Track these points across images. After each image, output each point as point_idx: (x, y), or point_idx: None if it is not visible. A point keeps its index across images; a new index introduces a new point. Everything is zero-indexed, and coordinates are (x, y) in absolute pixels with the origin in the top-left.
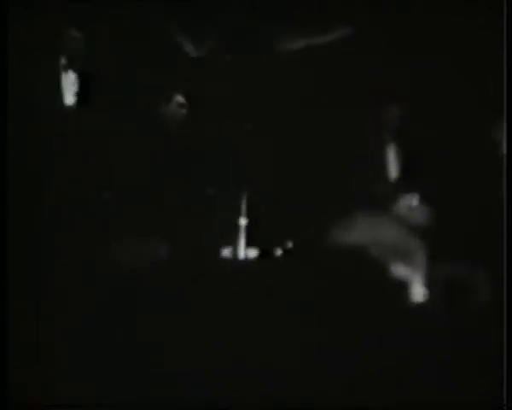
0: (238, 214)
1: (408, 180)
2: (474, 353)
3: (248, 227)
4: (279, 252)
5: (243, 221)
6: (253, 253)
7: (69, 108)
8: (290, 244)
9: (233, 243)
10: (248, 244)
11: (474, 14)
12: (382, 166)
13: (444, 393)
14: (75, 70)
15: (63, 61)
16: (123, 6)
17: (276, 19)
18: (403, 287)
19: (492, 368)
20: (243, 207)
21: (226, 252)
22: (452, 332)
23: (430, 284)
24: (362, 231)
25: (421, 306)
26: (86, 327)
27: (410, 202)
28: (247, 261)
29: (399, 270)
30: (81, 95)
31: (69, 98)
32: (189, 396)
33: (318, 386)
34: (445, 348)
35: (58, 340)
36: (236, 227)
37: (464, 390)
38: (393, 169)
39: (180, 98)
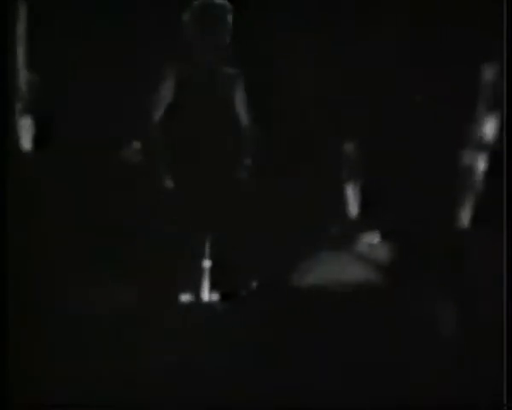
0: (202, 257)
1: (368, 217)
2: (474, 353)
3: (212, 270)
4: (243, 293)
5: (207, 264)
6: (216, 295)
7: (26, 152)
8: (254, 285)
9: (196, 286)
10: (212, 286)
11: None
12: (342, 205)
13: (444, 393)
14: (31, 114)
15: (19, 105)
16: (81, 48)
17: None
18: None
19: (492, 368)
20: (207, 249)
21: (189, 296)
22: (452, 333)
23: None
24: (323, 271)
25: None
26: (84, 330)
27: (371, 240)
28: (210, 303)
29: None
30: (38, 139)
31: (26, 143)
32: None
33: None
34: (445, 348)
35: (58, 341)
36: (200, 270)
37: (464, 390)
38: (353, 207)
39: (137, 144)
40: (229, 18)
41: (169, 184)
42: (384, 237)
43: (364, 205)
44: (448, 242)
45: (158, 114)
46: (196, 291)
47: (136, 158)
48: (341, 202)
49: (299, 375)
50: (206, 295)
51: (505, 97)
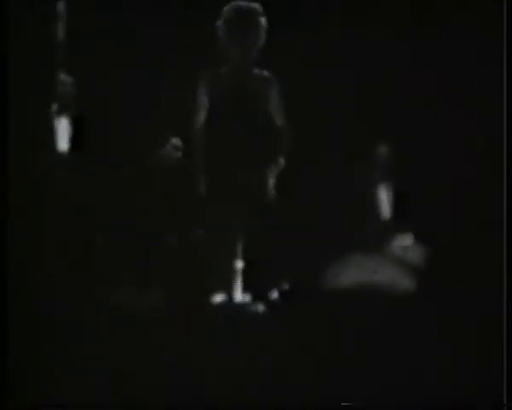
0: (234, 257)
1: (401, 220)
2: (474, 353)
3: (244, 270)
4: (275, 295)
5: (239, 264)
6: (248, 296)
7: (62, 153)
8: (286, 287)
9: (229, 287)
10: (244, 288)
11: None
12: (375, 207)
13: (444, 393)
14: (67, 115)
15: (55, 107)
16: (116, 50)
17: None
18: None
19: (492, 368)
20: (239, 250)
21: (222, 296)
22: (452, 333)
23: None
24: (356, 273)
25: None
26: (85, 330)
27: (405, 242)
28: (243, 304)
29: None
30: (74, 140)
31: (62, 144)
32: None
33: None
34: (446, 348)
35: (58, 341)
36: (233, 271)
37: (464, 390)
38: (386, 209)
39: (176, 141)
40: (262, 21)
41: (202, 187)
42: (417, 239)
43: (397, 207)
44: (482, 246)
45: (198, 120)
46: (229, 292)
47: (175, 154)
48: (374, 204)
49: (330, 376)
50: (239, 295)
51: (505, 98)
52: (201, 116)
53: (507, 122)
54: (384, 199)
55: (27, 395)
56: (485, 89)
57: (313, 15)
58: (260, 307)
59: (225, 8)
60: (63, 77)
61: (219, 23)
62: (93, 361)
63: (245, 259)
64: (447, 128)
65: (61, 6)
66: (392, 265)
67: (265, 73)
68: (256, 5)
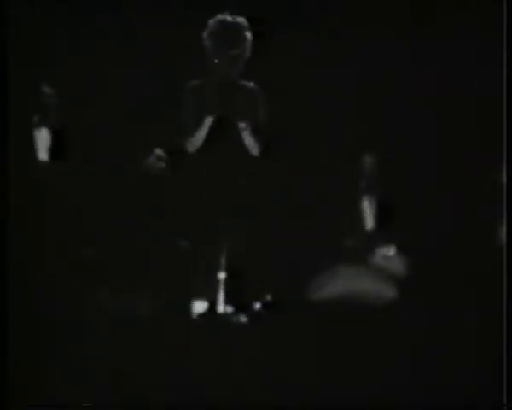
0: (217, 269)
1: (384, 231)
2: (473, 353)
3: (227, 282)
4: (258, 306)
5: (222, 275)
6: (231, 307)
7: (43, 163)
8: (269, 298)
9: (211, 298)
10: (227, 298)
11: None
12: (358, 218)
13: (444, 393)
14: (48, 126)
15: (36, 118)
16: (96, 60)
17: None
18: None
19: (492, 368)
20: (222, 261)
21: (204, 306)
22: (452, 333)
23: None
24: (339, 284)
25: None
26: (85, 331)
27: (387, 253)
28: (225, 315)
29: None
30: (54, 150)
31: (42, 153)
32: None
33: None
34: (445, 349)
35: (58, 341)
36: (215, 282)
37: (464, 390)
38: (369, 220)
39: (159, 152)
40: (247, 34)
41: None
42: (400, 250)
43: (380, 218)
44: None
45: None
46: (211, 303)
47: (159, 165)
48: (358, 215)
49: (314, 387)
50: (221, 307)
51: (505, 98)
52: (189, 127)
53: (507, 122)
54: (368, 210)
55: (27, 395)
56: (485, 89)
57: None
58: (243, 318)
59: (211, 22)
60: (45, 89)
61: (205, 35)
62: (93, 361)
63: (228, 270)
64: (436, 136)
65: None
66: (375, 275)
67: (251, 84)
68: (241, 19)
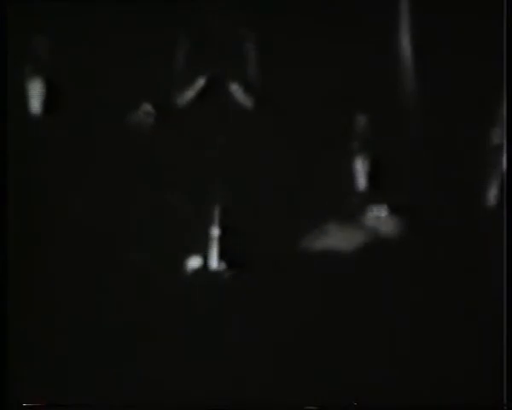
0: (210, 224)
1: (376, 191)
2: (473, 352)
3: (221, 237)
4: (250, 262)
5: (216, 231)
6: (223, 264)
7: (35, 115)
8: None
9: (204, 254)
10: (221, 255)
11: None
12: (350, 177)
13: (444, 393)
14: (42, 77)
15: (29, 68)
16: (91, 13)
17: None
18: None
19: (492, 368)
20: (216, 217)
21: (198, 262)
22: (452, 333)
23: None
24: (330, 243)
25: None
26: (85, 327)
27: (379, 214)
28: (218, 272)
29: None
30: (47, 103)
31: (35, 106)
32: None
33: (297, 395)
34: (445, 348)
35: (58, 340)
36: (208, 237)
37: (464, 390)
38: (361, 180)
39: (148, 107)
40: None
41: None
42: (392, 211)
43: (373, 178)
44: (459, 220)
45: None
46: (204, 259)
47: (147, 121)
48: (350, 174)
49: (306, 341)
50: (215, 263)
51: (505, 98)
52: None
53: (507, 122)
54: (360, 170)
55: (27, 395)
56: (485, 89)
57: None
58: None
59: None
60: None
61: None
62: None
63: (221, 226)
64: (433, 102)
65: None
66: (366, 235)
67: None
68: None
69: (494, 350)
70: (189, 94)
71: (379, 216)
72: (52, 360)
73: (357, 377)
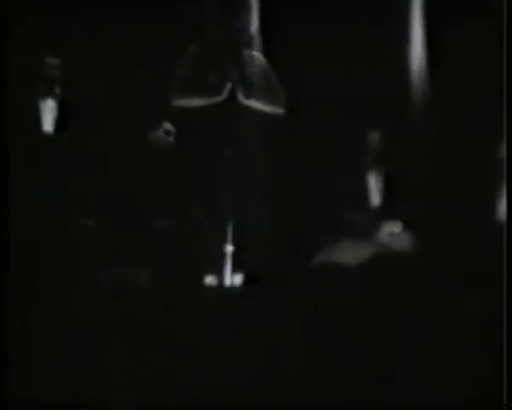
0: (224, 241)
1: (390, 207)
2: (474, 353)
3: (234, 254)
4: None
5: (229, 248)
6: (238, 279)
7: (47, 134)
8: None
9: (218, 270)
10: (234, 270)
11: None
12: (364, 194)
13: (444, 393)
14: (53, 97)
15: (42, 88)
16: (104, 33)
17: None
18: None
19: (492, 368)
20: (229, 233)
21: (211, 279)
22: (452, 333)
23: None
24: (343, 259)
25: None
26: (85, 327)
27: (393, 229)
28: (232, 288)
29: None
30: (60, 121)
31: (47, 125)
32: None
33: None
34: (445, 348)
35: (58, 340)
36: (222, 254)
37: (464, 390)
38: (375, 196)
39: (168, 125)
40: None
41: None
42: (406, 227)
43: (387, 194)
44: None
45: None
46: (219, 276)
47: (167, 139)
48: (364, 190)
49: (317, 357)
50: (228, 279)
51: (505, 98)
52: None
53: (507, 122)
54: (374, 186)
55: (27, 394)
56: (485, 89)
57: None
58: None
59: None
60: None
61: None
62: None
63: (234, 243)
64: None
65: None
66: (380, 252)
67: (257, 53)
68: None
69: (494, 350)
70: (203, 108)
71: (392, 232)
72: (52, 360)
73: (361, 379)
